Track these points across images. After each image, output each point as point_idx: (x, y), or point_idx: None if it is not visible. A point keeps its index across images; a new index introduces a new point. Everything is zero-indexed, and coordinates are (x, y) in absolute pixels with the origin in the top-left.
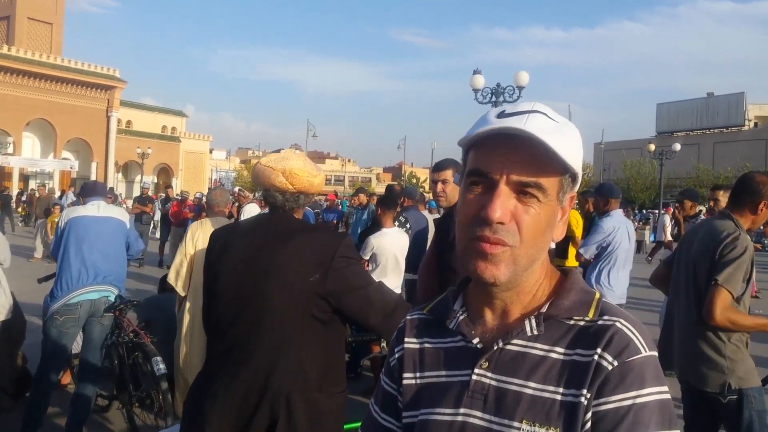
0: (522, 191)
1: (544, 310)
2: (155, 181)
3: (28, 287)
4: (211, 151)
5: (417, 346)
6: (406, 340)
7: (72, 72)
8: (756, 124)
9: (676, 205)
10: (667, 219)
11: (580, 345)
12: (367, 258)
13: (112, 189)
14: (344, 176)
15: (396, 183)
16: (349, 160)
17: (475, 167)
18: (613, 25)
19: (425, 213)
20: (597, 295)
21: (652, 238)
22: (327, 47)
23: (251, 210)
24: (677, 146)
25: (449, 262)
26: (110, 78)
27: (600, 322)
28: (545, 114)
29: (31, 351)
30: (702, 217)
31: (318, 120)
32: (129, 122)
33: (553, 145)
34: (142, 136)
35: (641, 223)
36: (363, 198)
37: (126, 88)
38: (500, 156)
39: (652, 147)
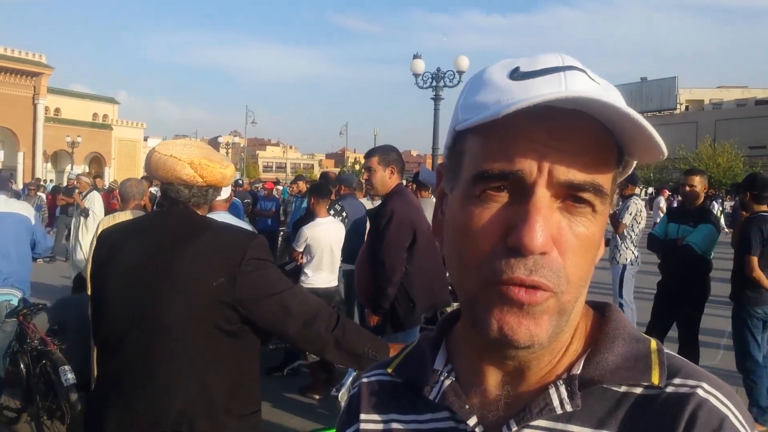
0: (570, 197)
1: (577, 371)
2: (87, 170)
3: None
4: (146, 139)
5: (380, 426)
6: (363, 417)
7: None
8: (687, 108)
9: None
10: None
11: (645, 428)
12: (301, 250)
13: (38, 179)
14: (286, 163)
15: (330, 171)
16: (290, 147)
17: (488, 165)
18: (551, 10)
19: (363, 201)
20: (653, 344)
21: None
22: (266, 32)
23: (94, 199)
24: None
25: (379, 255)
26: (36, 64)
27: (671, 390)
28: (585, 72)
29: None
30: (638, 197)
31: (258, 106)
32: (57, 110)
33: (641, 121)
34: (71, 124)
35: None
36: (302, 185)
37: (54, 74)
38: (535, 141)
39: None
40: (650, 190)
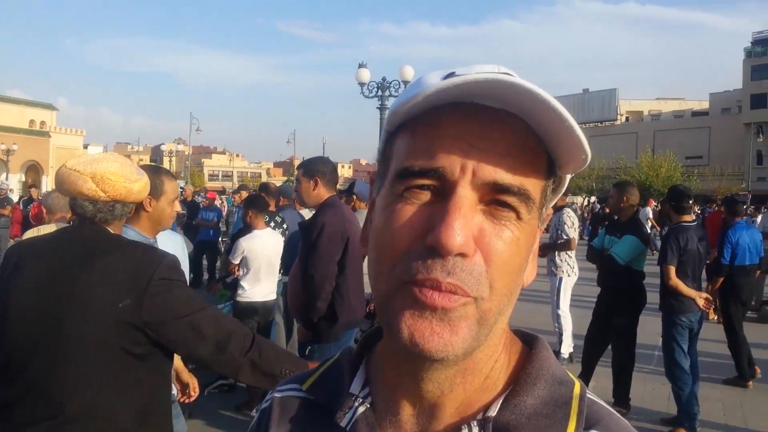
0: (494, 201)
1: (493, 412)
2: (23, 179)
3: None
4: (86, 147)
5: None
6: None
7: None
8: (627, 119)
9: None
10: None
11: None
12: (236, 262)
13: None
14: (232, 172)
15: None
16: (237, 155)
17: (411, 161)
18: (495, 22)
19: (304, 212)
20: (577, 388)
21: None
22: (211, 38)
23: None
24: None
25: (309, 269)
26: None
27: None
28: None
29: None
30: (569, 209)
31: (203, 114)
32: None
33: (568, 117)
34: (6, 131)
35: None
36: (245, 195)
37: None
38: (460, 139)
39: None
40: (593, 199)
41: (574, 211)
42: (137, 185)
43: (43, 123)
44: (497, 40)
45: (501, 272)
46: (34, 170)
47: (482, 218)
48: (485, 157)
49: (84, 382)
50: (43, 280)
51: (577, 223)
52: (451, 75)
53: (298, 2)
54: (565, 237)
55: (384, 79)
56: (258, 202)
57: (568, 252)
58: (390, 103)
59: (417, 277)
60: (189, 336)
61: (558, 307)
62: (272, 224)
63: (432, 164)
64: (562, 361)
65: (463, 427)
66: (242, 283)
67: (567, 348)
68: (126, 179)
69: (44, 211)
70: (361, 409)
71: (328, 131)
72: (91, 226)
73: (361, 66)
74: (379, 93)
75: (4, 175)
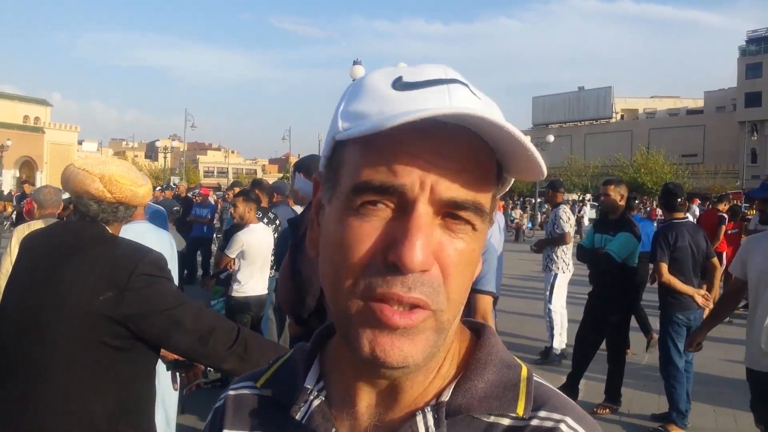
0: (449, 214)
1: (446, 397)
2: (17, 175)
3: None
4: (80, 143)
5: None
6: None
7: None
8: (622, 117)
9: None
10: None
11: None
12: (233, 256)
13: None
14: (228, 168)
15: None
16: (232, 152)
17: (368, 176)
18: (490, 20)
19: (296, 208)
20: (524, 371)
21: (530, 225)
22: (204, 33)
23: None
24: (551, 138)
25: (297, 265)
26: None
27: (535, 423)
28: (467, 86)
29: None
30: (566, 205)
31: (198, 110)
32: None
33: (521, 138)
34: (0, 127)
35: (520, 210)
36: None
37: None
38: (418, 157)
39: (528, 138)
40: (587, 196)
41: (571, 208)
42: (142, 189)
43: (37, 119)
44: (492, 37)
45: (456, 283)
46: (28, 166)
47: (440, 232)
48: (443, 174)
49: (60, 373)
50: (30, 272)
51: (572, 219)
52: (400, 82)
53: None
54: (559, 232)
55: None
56: (249, 194)
57: (564, 248)
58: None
59: (377, 292)
60: (169, 329)
61: (550, 302)
62: (265, 220)
63: (392, 181)
64: (555, 358)
65: (417, 413)
66: (238, 277)
67: (560, 344)
68: (132, 183)
69: (35, 206)
70: (316, 402)
71: (323, 128)
72: (87, 223)
73: (355, 63)
74: None
75: None
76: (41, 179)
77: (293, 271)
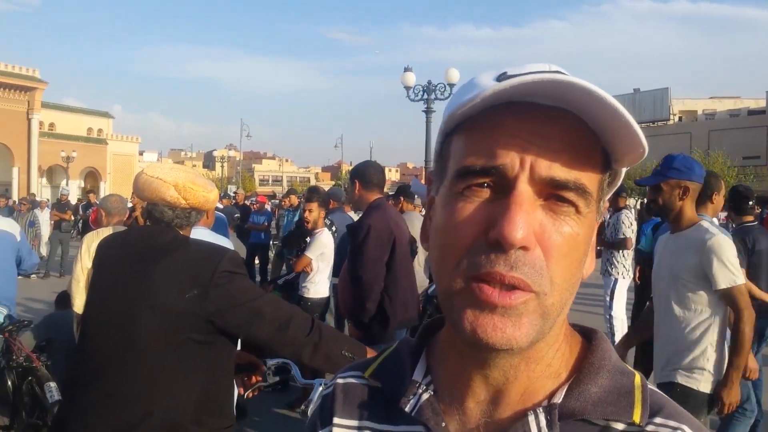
0: (552, 196)
1: (558, 399)
2: (82, 185)
3: None
4: (141, 154)
5: None
6: (336, 420)
7: None
8: (680, 119)
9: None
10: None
11: None
12: (314, 257)
13: (33, 195)
14: (282, 176)
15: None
16: (286, 160)
17: (471, 161)
18: (540, 23)
19: (351, 214)
20: (638, 379)
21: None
22: (257, 45)
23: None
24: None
25: (357, 270)
26: (30, 79)
27: (651, 429)
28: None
29: None
30: (629, 210)
31: (252, 119)
32: (52, 125)
33: (626, 114)
34: (66, 139)
35: None
36: (294, 199)
37: (48, 89)
38: (517, 137)
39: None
40: (645, 201)
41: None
42: (212, 195)
43: (100, 131)
44: (543, 41)
45: (561, 267)
46: (92, 176)
47: (542, 214)
48: (542, 153)
49: (149, 368)
50: (118, 273)
51: (634, 224)
52: (504, 75)
53: (340, 8)
54: (621, 237)
55: (430, 82)
56: (325, 200)
57: (624, 253)
58: (436, 105)
59: (480, 271)
60: (251, 319)
61: (611, 308)
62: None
63: (492, 162)
64: None
65: (529, 413)
66: (315, 278)
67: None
68: (203, 189)
69: (103, 214)
70: (425, 396)
71: (375, 135)
72: (163, 228)
73: (406, 70)
74: (425, 96)
75: (64, 182)
76: (105, 189)
77: (353, 277)
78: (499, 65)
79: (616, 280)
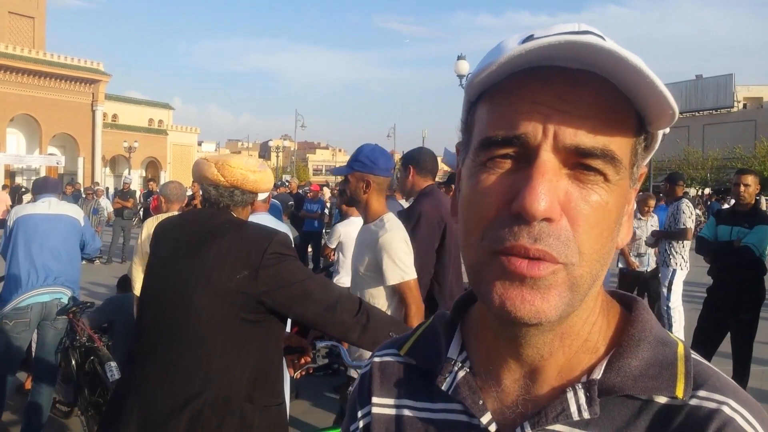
0: (579, 165)
1: (598, 375)
2: (143, 174)
3: None
4: (200, 144)
5: (392, 411)
6: (375, 400)
7: (55, 66)
8: (745, 106)
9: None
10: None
11: None
12: (333, 246)
13: (96, 184)
14: (335, 166)
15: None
16: (339, 150)
17: (492, 131)
18: (598, 9)
19: (402, 202)
20: (680, 348)
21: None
22: (311, 36)
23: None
24: (666, 129)
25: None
26: (94, 71)
27: (694, 403)
28: (601, 37)
29: None
30: (687, 199)
31: (306, 110)
32: (115, 116)
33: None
34: (128, 130)
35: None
36: None
37: (111, 81)
38: (540, 103)
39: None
40: (707, 190)
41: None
42: (254, 176)
43: (160, 122)
44: (600, 26)
45: (589, 237)
46: (153, 166)
47: (568, 182)
48: (566, 120)
49: (205, 345)
50: (174, 253)
51: (694, 214)
52: (530, 38)
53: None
54: (681, 227)
55: None
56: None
57: (683, 243)
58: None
59: (505, 245)
60: (300, 299)
61: (669, 299)
62: None
63: (513, 132)
64: None
65: (567, 390)
66: (337, 267)
67: None
68: (244, 168)
69: (163, 200)
70: (461, 374)
71: (427, 124)
72: (216, 211)
73: (460, 58)
74: None
75: (126, 171)
76: (165, 178)
77: None
78: None
79: (674, 271)
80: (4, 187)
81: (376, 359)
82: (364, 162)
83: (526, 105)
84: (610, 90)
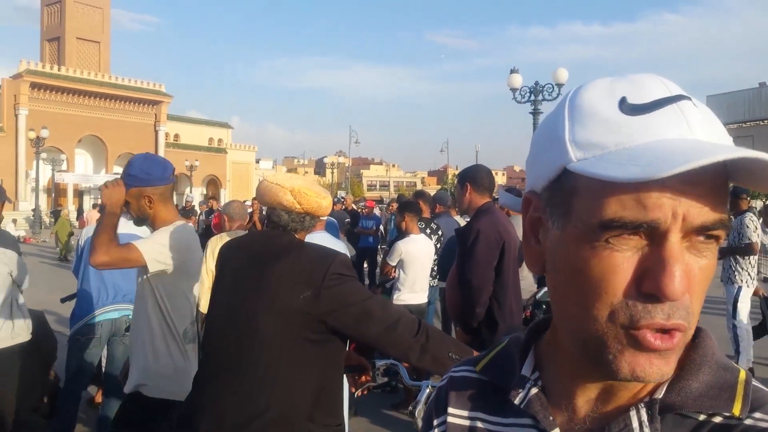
0: (699, 235)
1: (660, 395)
2: (204, 192)
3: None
4: (257, 161)
5: (466, 423)
6: (451, 410)
7: (120, 88)
8: None
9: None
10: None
11: None
12: (394, 264)
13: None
14: (389, 181)
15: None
16: (393, 165)
17: (616, 213)
18: (653, 17)
19: (457, 218)
20: (742, 374)
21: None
22: (363, 53)
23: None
24: (730, 139)
25: (466, 275)
26: (157, 93)
27: (749, 422)
28: (690, 99)
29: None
30: (752, 213)
31: (360, 126)
32: (177, 135)
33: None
34: (189, 149)
35: None
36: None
37: (172, 102)
38: (668, 187)
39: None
40: None
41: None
42: (325, 201)
43: (220, 140)
44: (656, 35)
45: (700, 299)
46: (213, 184)
47: (689, 256)
48: (692, 203)
49: (269, 365)
50: (238, 274)
51: (760, 228)
52: (624, 102)
53: (445, 12)
54: (747, 241)
55: (537, 83)
56: (411, 206)
57: (750, 259)
58: (543, 107)
59: (640, 323)
60: (361, 319)
61: (735, 317)
62: (428, 231)
63: (644, 217)
64: None
65: (631, 408)
66: (398, 285)
67: (746, 363)
68: (317, 195)
69: (225, 219)
70: (534, 390)
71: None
72: (280, 232)
73: (513, 71)
74: (532, 97)
75: (188, 189)
76: (225, 195)
77: (462, 281)
78: (609, 63)
79: (740, 288)
80: (95, 205)
81: (453, 374)
82: (139, 176)
83: (654, 191)
84: (721, 166)
